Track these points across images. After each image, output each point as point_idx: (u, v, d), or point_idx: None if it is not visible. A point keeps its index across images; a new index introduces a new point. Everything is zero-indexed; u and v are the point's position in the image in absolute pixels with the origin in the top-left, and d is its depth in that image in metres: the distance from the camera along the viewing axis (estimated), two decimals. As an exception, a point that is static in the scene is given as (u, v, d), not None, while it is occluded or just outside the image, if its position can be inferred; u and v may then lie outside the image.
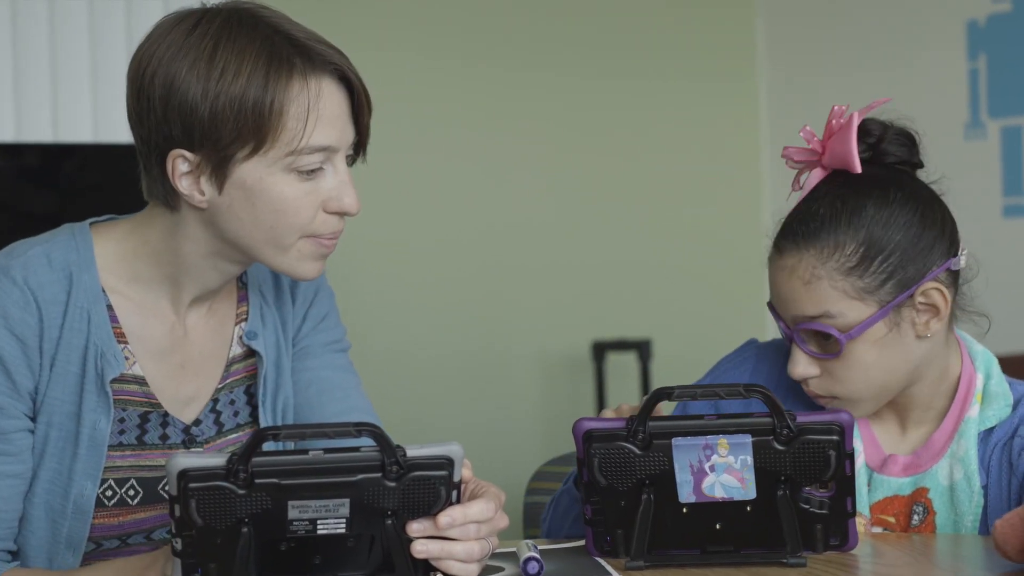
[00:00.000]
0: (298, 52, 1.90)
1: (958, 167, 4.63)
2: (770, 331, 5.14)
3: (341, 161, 1.94)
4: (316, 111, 1.89)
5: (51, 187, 3.71)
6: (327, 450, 1.68)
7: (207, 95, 1.86)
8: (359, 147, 1.99)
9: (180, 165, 1.89)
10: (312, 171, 1.91)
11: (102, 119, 4.04)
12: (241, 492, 1.65)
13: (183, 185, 1.90)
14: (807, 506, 1.88)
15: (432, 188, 4.74)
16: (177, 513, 1.66)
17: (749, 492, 1.86)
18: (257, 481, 1.65)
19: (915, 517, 2.11)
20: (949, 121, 4.69)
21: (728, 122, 5.22)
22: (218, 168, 1.88)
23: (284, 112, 1.87)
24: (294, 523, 1.67)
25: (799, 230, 2.06)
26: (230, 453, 1.66)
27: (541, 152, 4.91)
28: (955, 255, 2.08)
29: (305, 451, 1.67)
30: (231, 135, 1.87)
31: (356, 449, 1.68)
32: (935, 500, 2.10)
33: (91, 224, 2.01)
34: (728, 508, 1.87)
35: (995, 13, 4.62)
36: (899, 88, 4.84)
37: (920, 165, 2.15)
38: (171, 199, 1.93)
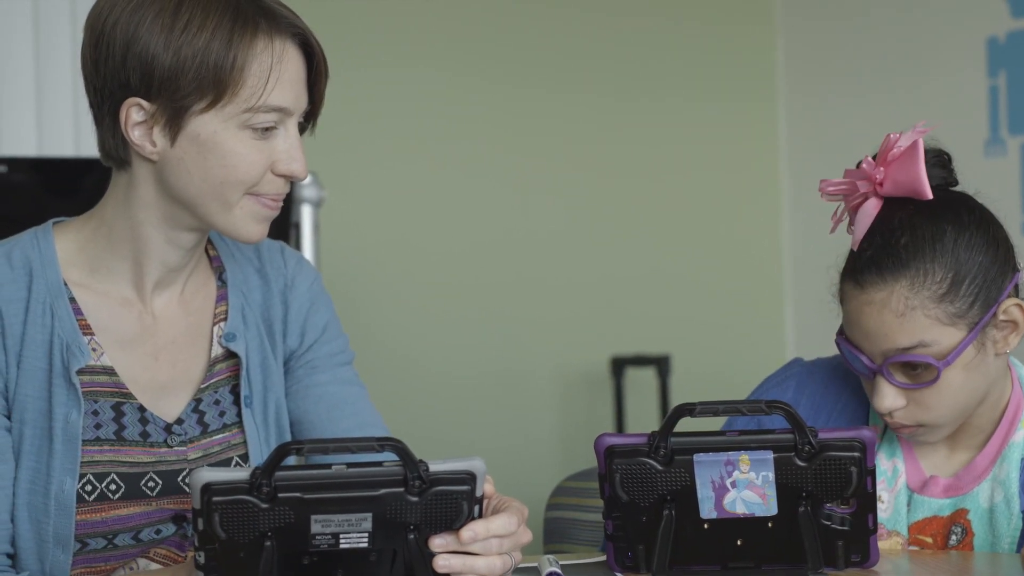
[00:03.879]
0: (263, 13, 1.93)
1: (977, 184, 4.63)
2: (790, 347, 5.14)
3: (293, 126, 1.96)
4: (278, 71, 1.92)
5: (73, 201, 3.72)
6: (350, 464, 1.68)
7: (169, 46, 1.89)
8: (311, 116, 2.01)
9: (134, 114, 1.91)
10: (266, 129, 1.93)
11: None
12: (264, 506, 1.65)
13: (135, 135, 1.92)
14: (828, 522, 1.88)
15: (450, 203, 4.75)
16: (200, 527, 1.66)
17: (770, 508, 1.86)
18: (280, 495, 1.66)
19: (953, 538, 2.10)
20: (969, 138, 4.69)
21: (748, 139, 5.22)
22: (173, 119, 1.91)
23: (246, 69, 1.90)
24: (317, 537, 1.68)
25: (884, 263, 2.03)
26: (253, 467, 1.67)
27: (560, 168, 4.92)
28: (1018, 269, 2.10)
29: (328, 465, 1.68)
30: (190, 86, 1.89)
31: (379, 464, 1.69)
32: (974, 521, 2.10)
33: (54, 223, 2.03)
34: (749, 524, 1.87)
35: (1015, 30, 4.62)
36: (919, 106, 4.84)
37: (956, 183, 2.14)
38: (122, 152, 1.95)
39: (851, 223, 2.11)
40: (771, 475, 1.84)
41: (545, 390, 4.90)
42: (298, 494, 1.66)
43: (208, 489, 1.65)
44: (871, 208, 2.08)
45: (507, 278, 4.84)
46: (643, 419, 4.87)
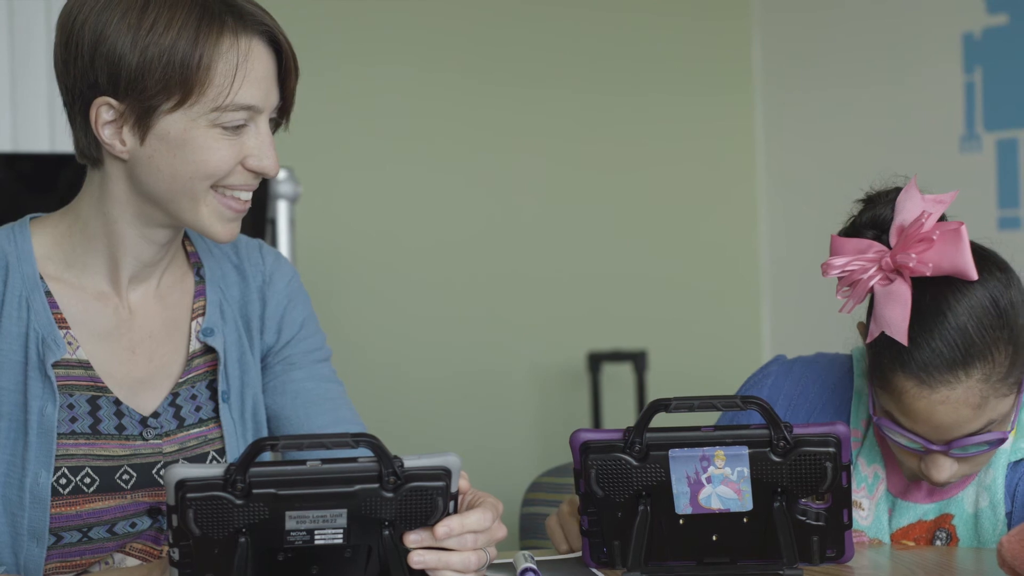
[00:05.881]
0: (229, 11, 1.92)
1: (953, 180, 4.64)
2: (767, 341, 5.15)
3: (264, 123, 1.96)
4: (244, 69, 1.91)
5: (48, 197, 3.71)
6: (324, 460, 1.68)
7: (136, 45, 1.88)
8: (284, 112, 2.00)
9: (104, 113, 1.92)
10: (236, 127, 1.92)
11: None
12: (239, 502, 1.65)
13: (105, 134, 1.92)
14: (804, 518, 1.88)
15: (426, 199, 4.74)
16: (175, 523, 1.66)
17: (746, 504, 1.86)
18: (255, 491, 1.65)
19: (937, 542, 2.10)
20: (945, 134, 4.70)
21: (724, 135, 5.22)
22: (141, 118, 1.91)
23: (212, 68, 1.89)
24: (291, 533, 1.67)
25: (953, 357, 1.95)
26: (228, 463, 1.67)
27: (536, 164, 4.92)
28: None
29: (303, 462, 1.67)
30: (157, 86, 1.89)
31: (354, 460, 1.69)
32: (959, 527, 2.09)
33: (31, 219, 2.03)
34: (725, 520, 1.87)
35: (991, 26, 4.63)
36: (895, 101, 4.85)
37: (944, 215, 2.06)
38: (94, 150, 1.95)
39: (853, 296, 2.01)
40: (746, 470, 1.84)
41: (522, 386, 4.90)
42: (273, 490, 1.65)
43: (182, 485, 1.65)
44: (904, 292, 1.98)
45: (483, 274, 4.83)
46: (620, 415, 4.88)
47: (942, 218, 2.02)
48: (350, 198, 4.62)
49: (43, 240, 2.00)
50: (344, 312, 4.54)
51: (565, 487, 2.47)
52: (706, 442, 1.85)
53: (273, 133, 1.99)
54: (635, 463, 1.86)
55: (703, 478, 1.85)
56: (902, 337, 1.96)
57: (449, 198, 4.79)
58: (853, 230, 2.06)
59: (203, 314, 2.07)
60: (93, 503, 1.95)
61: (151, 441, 1.99)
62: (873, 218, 2.05)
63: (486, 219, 4.84)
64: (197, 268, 2.09)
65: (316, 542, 1.68)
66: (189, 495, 1.65)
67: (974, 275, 1.97)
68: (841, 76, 5.01)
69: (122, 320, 2.02)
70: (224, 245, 2.11)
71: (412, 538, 1.71)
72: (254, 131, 1.94)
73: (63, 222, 2.01)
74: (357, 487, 1.67)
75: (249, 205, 1.98)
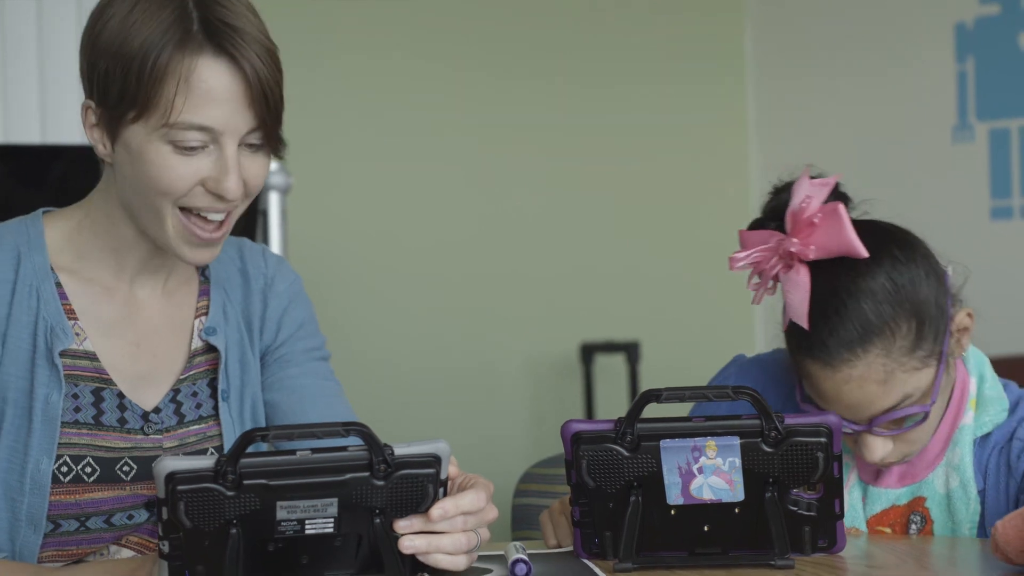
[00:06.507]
0: (203, 27, 1.90)
1: (946, 170, 4.65)
2: (759, 332, 5.15)
3: (230, 145, 1.92)
4: (186, 88, 1.89)
5: (40, 189, 3.71)
6: (315, 450, 1.68)
7: (107, 52, 1.91)
8: (267, 139, 1.95)
9: (90, 116, 1.95)
10: (191, 148, 1.91)
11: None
12: (229, 494, 1.65)
13: (93, 135, 1.96)
14: (795, 508, 1.88)
15: (417, 193, 4.74)
16: (165, 516, 1.66)
17: (737, 494, 1.86)
18: (245, 482, 1.65)
19: (912, 527, 2.10)
20: (937, 124, 4.70)
21: (716, 126, 5.22)
22: (110, 126, 1.93)
23: (160, 82, 1.89)
24: (282, 523, 1.67)
25: (851, 337, 1.98)
26: (218, 455, 1.67)
27: (529, 155, 4.91)
28: (945, 272, 2.06)
29: (293, 451, 1.67)
30: (116, 96, 1.90)
31: (344, 449, 1.69)
32: (932, 509, 2.09)
33: (44, 212, 2.05)
34: (716, 510, 1.87)
35: (983, 15, 4.63)
36: (887, 91, 4.85)
37: (848, 198, 2.08)
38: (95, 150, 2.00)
39: (761, 286, 2.05)
40: (738, 461, 1.85)
41: (515, 377, 4.90)
42: (263, 481, 1.66)
43: (172, 478, 1.65)
44: (802, 277, 2.01)
45: (475, 265, 4.83)
46: (613, 405, 4.88)
47: (860, 206, 2.05)
48: (343, 190, 4.62)
49: (55, 233, 2.02)
50: (336, 304, 4.54)
51: (557, 478, 2.47)
52: (697, 432, 1.85)
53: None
54: (626, 454, 1.85)
55: (694, 468, 1.85)
56: (803, 321, 2.00)
57: (439, 190, 4.78)
58: (757, 222, 2.11)
59: (206, 313, 2.09)
60: (92, 493, 1.96)
61: (152, 436, 2.00)
62: (773, 208, 2.10)
63: (477, 211, 4.84)
64: (202, 269, 2.11)
65: (307, 531, 1.68)
66: (180, 487, 1.65)
67: (863, 252, 1.99)
68: (833, 67, 5.01)
69: (129, 313, 2.04)
70: (228, 248, 2.12)
71: (402, 524, 1.72)
72: (216, 153, 1.93)
73: (75, 216, 2.04)
74: (348, 476, 1.67)
75: (220, 233, 1.96)
